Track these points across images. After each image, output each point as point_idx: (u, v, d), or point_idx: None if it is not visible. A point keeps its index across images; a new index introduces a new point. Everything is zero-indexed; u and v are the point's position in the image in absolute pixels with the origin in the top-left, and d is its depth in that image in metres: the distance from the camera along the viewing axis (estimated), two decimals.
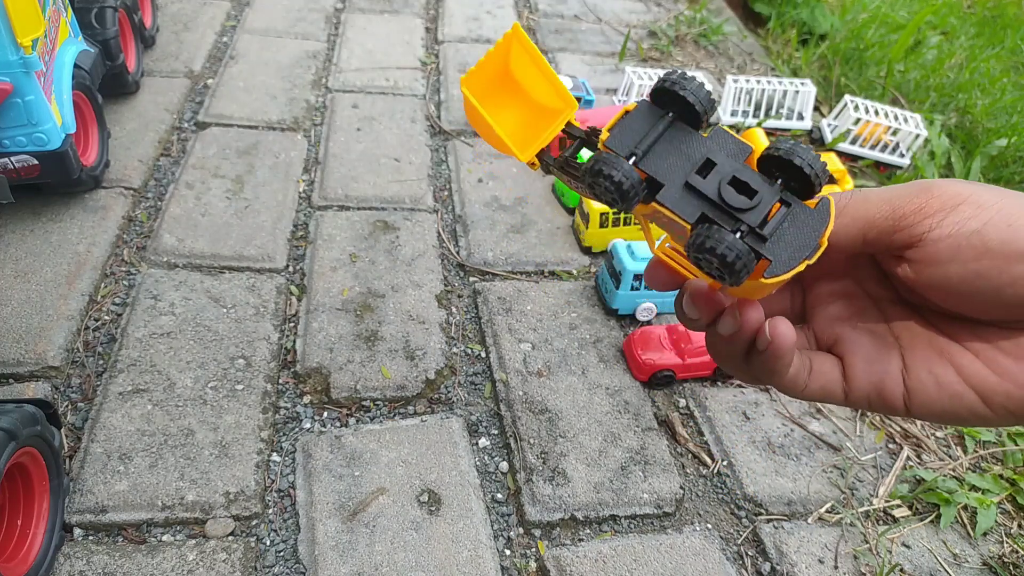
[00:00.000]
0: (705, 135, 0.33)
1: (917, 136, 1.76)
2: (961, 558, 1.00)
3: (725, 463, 1.06)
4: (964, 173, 1.77)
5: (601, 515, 0.97)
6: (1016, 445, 1.14)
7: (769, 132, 1.79)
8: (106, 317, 1.13)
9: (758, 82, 1.84)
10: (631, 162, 0.32)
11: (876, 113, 1.78)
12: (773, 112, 1.84)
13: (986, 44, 2.44)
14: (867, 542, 0.99)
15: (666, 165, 0.32)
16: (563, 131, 0.35)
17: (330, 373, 1.09)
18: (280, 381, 1.08)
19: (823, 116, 1.96)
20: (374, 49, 1.95)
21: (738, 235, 0.29)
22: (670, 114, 0.33)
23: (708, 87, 0.32)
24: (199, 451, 0.96)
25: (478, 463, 1.02)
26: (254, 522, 0.91)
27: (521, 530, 0.95)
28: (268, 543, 0.89)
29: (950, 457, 1.13)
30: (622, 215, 1.35)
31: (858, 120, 1.76)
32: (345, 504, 0.93)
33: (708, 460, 1.07)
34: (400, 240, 1.36)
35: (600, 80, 1.94)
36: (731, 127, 1.78)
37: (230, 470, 0.95)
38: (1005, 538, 1.03)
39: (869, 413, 1.17)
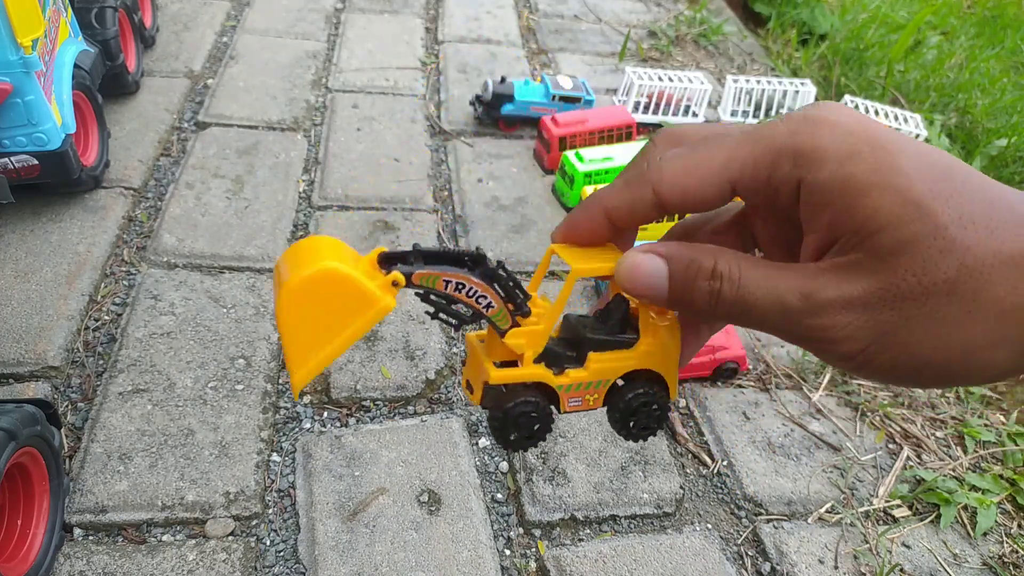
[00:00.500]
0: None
1: (917, 136, 1.76)
2: (961, 558, 1.00)
3: (725, 463, 1.06)
4: None
5: (601, 515, 0.97)
6: (1016, 445, 1.14)
7: None
8: (106, 317, 1.13)
9: (758, 82, 1.84)
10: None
11: (876, 113, 1.78)
12: (773, 112, 1.84)
13: (986, 44, 2.44)
14: (867, 542, 0.99)
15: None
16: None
17: (330, 373, 1.09)
18: (280, 381, 1.08)
19: None
20: (374, 49, 1.95)
21: None
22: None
23: None
24: (199, 451, 0.96)
25: (478, 463, 1.02)
26: (254, 522, 0.91)
27: (521, 530, 0.95)
28: (268, 543, 0.89)
29: (950, 457, 1.12)
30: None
31: None
32: (345, 504, 0.93)
33: (708, 460, 1.07)
34: (400, 240, 1.36)
35: (600, 80, 1.94)
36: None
37: (230, 470, 0.95)
38: (1005, 538, 1.03)
39: (869, 413, 1.17)
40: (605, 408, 0.37)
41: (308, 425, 1.03)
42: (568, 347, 0.36)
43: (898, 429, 1.15)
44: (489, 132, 1.70)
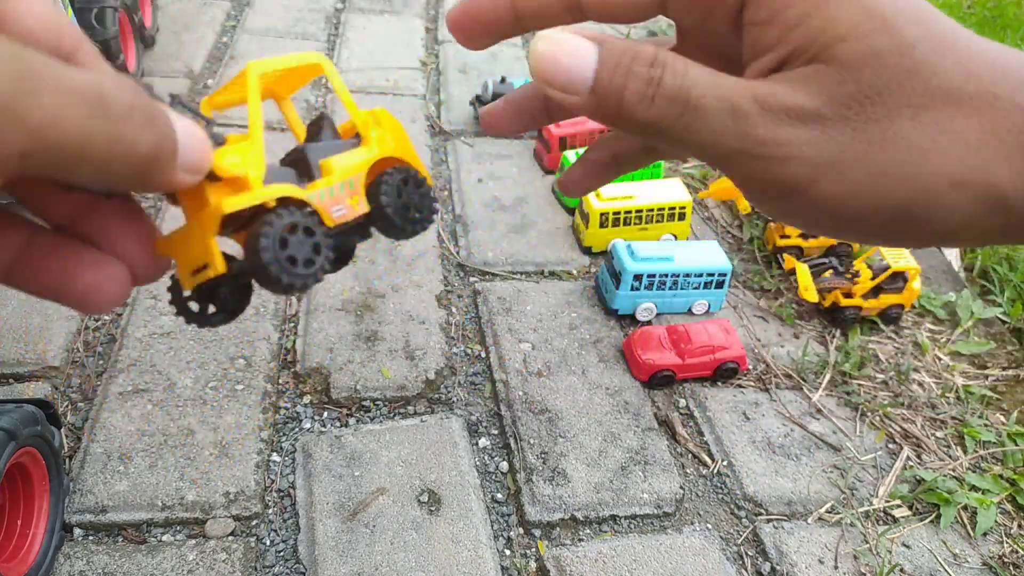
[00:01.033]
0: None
1: None
2: (961, 558, 1.00)
3: (725, 463, 1.06)
4: None
5: (601, 515, 0.97)
6: (1016, 445, 1.14)
7: None
8: (106, 317, 1.13)
9: None
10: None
11: None
12: None
13: None
14: (867, 542, 0.99)
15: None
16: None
17: (330, 373, 1.09)
18: (280, 381, 1.08)
19: None
20: (374, 49, 1.95)
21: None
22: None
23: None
24: (199, 451, 0.96)
25: (478, 463, 1.02)
26: (254, 522, 0.91)
27: (521, 530, 0.95)
28: (268, 543, 0.89)
29: (950, 457, 1.12)
30: (622, 215, 1.35)
31: None
32: (345, 504, 0.93)
33: (708, 460, 1.07)
34: (399, 240, 1.36)
35: None
36: None
37: (230, 470, 0.95)
38: (1005, 538, 1.03)
39: (869, 413, 1.17)
40: (374, 210, 0.32)
41: (308, 425, 1.03)
42: (292, 168, 0.31)
43: (898, 429, 1.15)
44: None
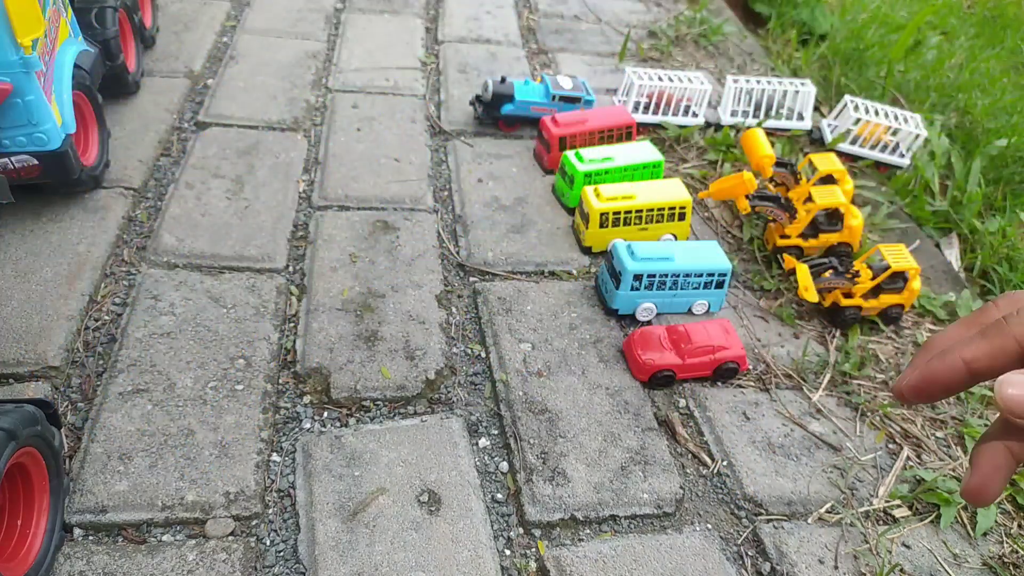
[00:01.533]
0: None
1: (917, 136, 1.76)
2: (961, 558, 1.00)
3: (725, 463, 1.06)
4: (964, 173, 1.77)
5: (601, 515, 0.97)
6: None
7: (769, 132, 1.79)
8: (106, 317, 1.13)
9: (758, 82, 1.84)
10: None
11: (876, 113, 1.78)
12: (773, 112, 1.84)
13: (986, 44, 2.44)
14: (867, 542, 0.99)
15: None
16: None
17: (330, 373, 1.09)
18: (280, 381, 1.08)
19: (823, 116, 1.96)
20: (374, 49, 1.95)
21: None
22: None
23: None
24: (199, 451, 0.96)
25: (478, 463, 1.02)
26: (254, 522, 0.91)
27: (521, 530, 0.95)
28: (268, 543, 0.89)
29: (950, 457, 1.13)
30: (622, 215, 1.36)
31: (858, 120, 1.76)
32: (345, 504, 0.93)
33: (708, 460, 1.07)
34: (400, 240, 1.36)
35: (600, 80, 1.95)
36: (731, 127, 1.78)
37: (230, 470, 0.95)
38: (1005, 538, 1.03)
39: (869, 413, 1.17)
40: None
41: (308, 425, 1.03)
42: None
43: (898, 429, 1.15)
44: (489, 132, 1.70)
